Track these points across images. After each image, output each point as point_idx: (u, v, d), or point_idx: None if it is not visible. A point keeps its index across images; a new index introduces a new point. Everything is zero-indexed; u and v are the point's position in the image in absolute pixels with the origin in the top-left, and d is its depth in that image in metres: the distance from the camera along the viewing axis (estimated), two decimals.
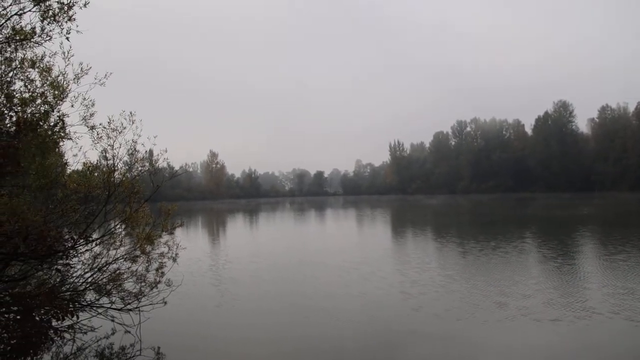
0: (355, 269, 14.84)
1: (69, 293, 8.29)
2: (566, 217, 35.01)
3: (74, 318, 8.35)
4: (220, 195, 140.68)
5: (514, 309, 9.92)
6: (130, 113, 8.14)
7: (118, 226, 8.67)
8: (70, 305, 8.05)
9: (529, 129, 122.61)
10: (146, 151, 8.64)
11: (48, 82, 7.80)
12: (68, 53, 7.66)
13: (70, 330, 8.70)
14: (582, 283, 12.05)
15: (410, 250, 19.37)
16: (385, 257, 17.58)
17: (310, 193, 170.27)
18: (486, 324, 9.08)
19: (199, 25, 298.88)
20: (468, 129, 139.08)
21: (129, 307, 8.78)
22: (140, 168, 8.85)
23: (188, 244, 22.34)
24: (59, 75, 7.86)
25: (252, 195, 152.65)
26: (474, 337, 8.49)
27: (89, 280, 8.56)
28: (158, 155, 8.68)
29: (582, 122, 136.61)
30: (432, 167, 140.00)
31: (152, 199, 8.99)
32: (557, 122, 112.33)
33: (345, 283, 12.97)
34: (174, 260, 8.80)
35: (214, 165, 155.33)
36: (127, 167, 9.08)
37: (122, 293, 8.68)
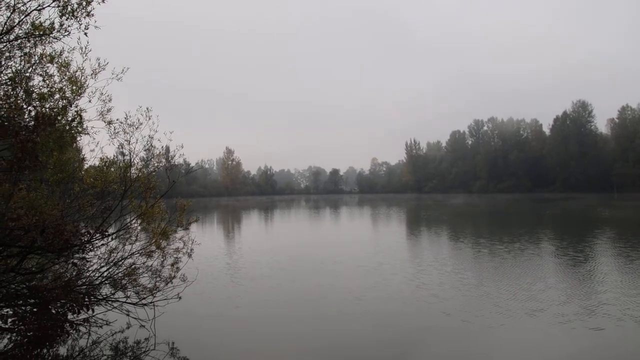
0: (376, 270, 14.59)
1: (85, 287, 8.31)
2: (590, 219, 34.28)
3: (90, 311, 8.40)
4: (236, 192, 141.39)
5: (550, 315, 9.35)
6: (147, 109, 8.18)
7: (134, 221, 8.69)
8: (86, 299, 8.08)
9: (546, 129, 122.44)
10: (162, 147, 8.66)
11: (66, 78, 7.78)
12: (86, 48, 7.65)
13: (85, 324, 8.74)
14: (618, 288, 11.33)
15: (433, 250, 18.77)
16: (408, 258, 17.15)
17: (326, 191, 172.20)
18: (521, 332, 8.50)
19: (223, 29, 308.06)
20: (485, 128, 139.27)
21: (143, 301, 8.82)
22: (156, 164, 8.84)
23: (203, 239, 22.28)
24: (77, 71, 7.86)
25: (267, 192, 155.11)
26: (507, 346, 8.02)
27: (105, 274, 8.59)
28: (174, 151, 8.76)
29: (602, 123, 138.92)
30: (449, 166, 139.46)
31: (168, 195, 8.99)
32: (575, 122, 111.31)
33: (365, 284, 12.66)
34: (189, 255, 8.82)
35: (229, 162, 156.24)
36: (143, 163, 9.06)
37: (137, 288, 8.72)
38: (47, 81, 7.77)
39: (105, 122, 8.18)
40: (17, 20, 7.21)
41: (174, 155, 8.80)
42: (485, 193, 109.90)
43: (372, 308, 10.39)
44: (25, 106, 7.51)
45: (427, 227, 29.14)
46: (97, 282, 8.54)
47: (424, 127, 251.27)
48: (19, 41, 7.40)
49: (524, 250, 17.98)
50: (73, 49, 7.82)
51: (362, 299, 11.05)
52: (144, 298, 8.76)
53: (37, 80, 7.85)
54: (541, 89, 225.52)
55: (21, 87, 7.53)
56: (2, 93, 7.23)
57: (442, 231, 26.07)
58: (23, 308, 7.85)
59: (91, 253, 8.45)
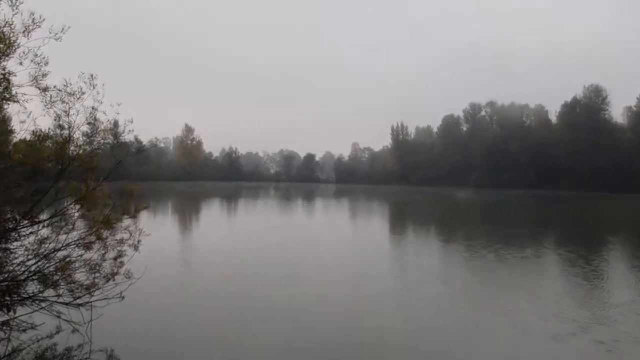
0: (364, 275, 14.61)
1: (5, 283, 8.01)
2: (622, 222, 33.58)
3: (11, 313, 8.04)
4: (196, 176, 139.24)
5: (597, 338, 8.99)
6: (91, 76, 7.93)
7: (71, 206, 8.39)
8: (6, 297, 7.75)
9: (553, 117, 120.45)
10: (109, 121, 8.45)
11: None
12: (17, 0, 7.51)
13: (5, 328, 8.39)
14: None
15: (440, 260, 18.29)
16: (405, 268, 17.24)
17: (299, 178, 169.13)
18: None
19: None
20: (483, 113, 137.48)
21: (78, 301, 8.52)
22: (101, 140, 8.66)
23: (154, 230, 21.80)
24: (4, 25, 7.53)
25: (232, 177, 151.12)
26: None
27: (33, 268, 8.26)
28: (123, 126, 8.48)
29: (618, 111, 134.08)
30: (440, 154, 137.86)
31: (114, 177, 8.72)
32: (587, 109, 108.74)
33: (341, 290, 12.71)
34: (136, 248, 8.60)
35: (189, 142, 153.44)
36: (85, 139, 8.71)
37: (72, 285, 8.41)
38: None
39: (39, 88, 7.91)
40: None
41: (123, 132, 8.51)
42: (481, 187, 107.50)
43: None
44: None
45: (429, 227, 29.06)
46: (22, 278, 8.22)
47: (413, 111, 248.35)
48: None
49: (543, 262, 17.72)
50: None
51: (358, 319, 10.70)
52: (79, 297, 8.46)
53: None
54: (549, 70, 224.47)
55: None
56: None
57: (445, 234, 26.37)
58: None
59: (17, 243, 8.12)
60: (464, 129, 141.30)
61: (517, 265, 16.37)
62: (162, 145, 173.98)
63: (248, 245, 21.05)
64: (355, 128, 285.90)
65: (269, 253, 18.73)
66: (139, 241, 8.72)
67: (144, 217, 25.99)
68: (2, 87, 7.74)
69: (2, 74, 7.71)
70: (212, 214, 37.97)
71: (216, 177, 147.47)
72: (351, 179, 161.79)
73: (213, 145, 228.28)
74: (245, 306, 11.11)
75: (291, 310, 10.90)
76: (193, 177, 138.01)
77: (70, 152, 8.13)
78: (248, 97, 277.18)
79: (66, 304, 8.53)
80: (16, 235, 7.78)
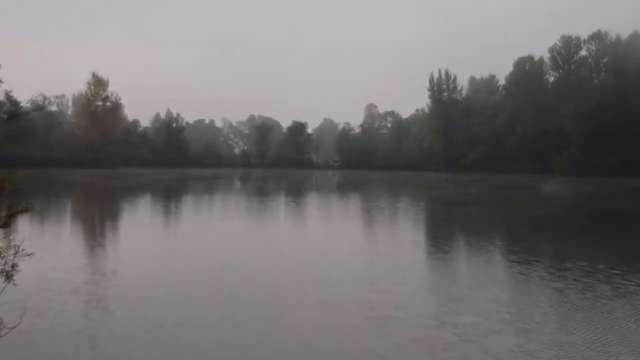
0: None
1: None
2: None
3: None
4: (111, 160, 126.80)
5: None
6: None
7: None
8: None
9: None
10: None
11: None
12: None
13: None
14: None
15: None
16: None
17: (281, 162, 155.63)
18: None
19: None
20: (583, 52, 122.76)
21: None
22: None
23: (40, 248, 21.53)
24: None
25: (172, 161, 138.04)
26: None
27: None
28: None
29: None
30: (509, 121, 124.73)
31: None
32: None
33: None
34: (8, 278, 8.19)
35: (99, 103, 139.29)
36: None
37: None
38: None
39: None
40: None
41: None
42: (575, 175, 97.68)
43: None
44: None
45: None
46: None
47: (464, 53, 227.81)
48: None
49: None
50: None
51: None
52: None
53: None
54: None
55: None
56: None
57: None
58: None
59: None
60: (550, 79, 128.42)
61: None
62: (53, 108, 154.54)
63: (188, 284, 20.12)
64: (372, 82, 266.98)
65: (226, 304, 17.88)
66: (13, 266, 8.27)
67: (25, 225, 23.81)
68: None
69: None
70: (136, 223, 34.94)
71: (147, 160, 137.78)
72: (365, 162, 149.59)
73: (141, 113, 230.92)
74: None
75: None
76: (108, 160, 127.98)
77: None
78: (198, 34, 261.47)
79: None
80: None
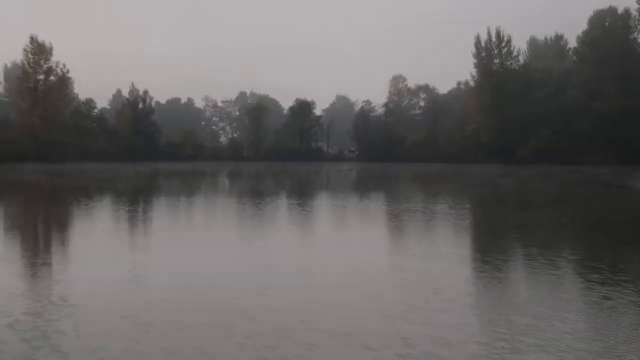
0: None
1: None
2: None
3: None
4: (58, 150, 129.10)
5: None
6: None
7: None
8: None
9: None
10: None
11: None
12: None
13: None
14: None
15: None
16: None
17: (281, 152, 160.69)
18: None
19: None
20: None
21: None
22: None
23: None
24: None
25: (139, 153, 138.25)
26: None
27: None
28: None
29: None
30: (582, 95, 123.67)
31: None
32: None
33: None
34: None
35: (40, 77, 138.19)
36: None
37: None
38: None
39: None
40: None
41: None
42: None
43: None
44: None
45: None
46: None
47: (521, 14, 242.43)
48: None
49: None
50: None
51: None
52: None
53: None
54: None
55: None
56: None
57: None
58: None
59: None
60: (639, 37, 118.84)
61: None
62: None
63: (158, 316, 20.19)
64: (398, 49, 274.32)
65: (213, 344, 17.46)
66: None
67: None
68: None
69: None
70: (92, 234, 32.74)
71: (105, 153, 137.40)
72: (390, 152, 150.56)
73: (97, 91, 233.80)
74: None
75: None
76: (53, 152, 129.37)
77: None
78: None
79: None
80: None
